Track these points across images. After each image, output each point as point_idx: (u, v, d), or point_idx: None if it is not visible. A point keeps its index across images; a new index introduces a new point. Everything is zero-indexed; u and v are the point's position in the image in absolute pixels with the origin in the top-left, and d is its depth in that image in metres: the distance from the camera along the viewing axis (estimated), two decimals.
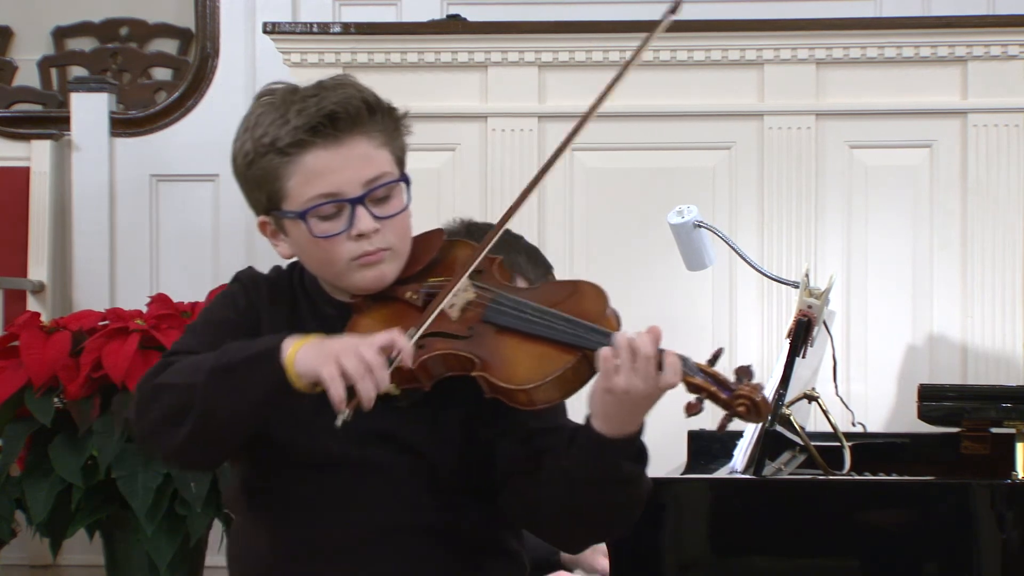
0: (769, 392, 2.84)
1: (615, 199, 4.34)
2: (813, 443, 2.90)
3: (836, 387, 3.06)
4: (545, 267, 2.95)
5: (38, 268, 5.54)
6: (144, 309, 4.53)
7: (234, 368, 2.03)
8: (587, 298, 2.16)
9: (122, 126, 5.69)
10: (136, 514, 4.23)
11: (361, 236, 2.12)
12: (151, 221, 5.64)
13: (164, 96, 6.28)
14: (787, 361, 2.82)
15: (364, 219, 2.12)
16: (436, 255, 2.22)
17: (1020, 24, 4.32)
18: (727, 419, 2.07)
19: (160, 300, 4.57)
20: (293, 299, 2.22)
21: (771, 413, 2.05)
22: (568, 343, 2.09)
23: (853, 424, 3.20)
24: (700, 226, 3.15)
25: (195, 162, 5.65)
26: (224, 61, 5.75)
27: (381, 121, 2.16)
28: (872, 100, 4.34)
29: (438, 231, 2.27)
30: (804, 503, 2.62)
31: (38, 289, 5.49)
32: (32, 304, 5.44)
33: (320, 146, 2.12)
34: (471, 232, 2.94)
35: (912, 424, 3.34)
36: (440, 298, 2.11)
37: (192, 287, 5.12)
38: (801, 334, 2.83)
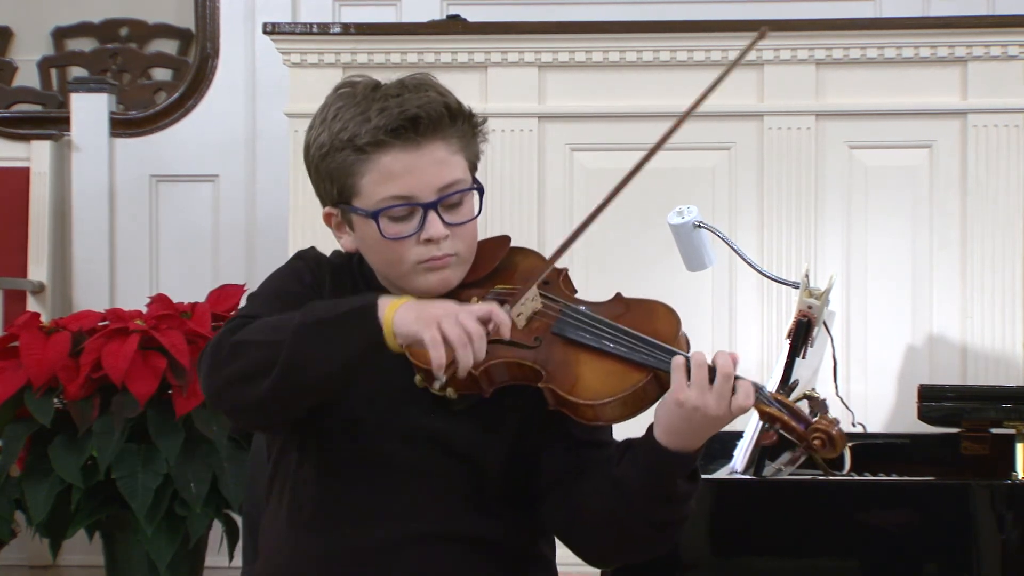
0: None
1: (615, 199, 4.33)
2: None
3: (836, 387, 3.06)
4: None
5: (38, 268, 5.54)
6: (144, 309, 4.53)
7: (327, 323, 2.00)
8: (660, 319, 2.16)
9: (122, 126, 5.68)
10: (136, 514, 4.23)
11: (430, 241, 2.12)
12: (151, 221, 5.64)
13: (164, 96, 6.28)
14: (787, 361, 2.82)
15: (435, 224, 2.12)
16: (500, 262, 2.22)
17: (1020, 24, 4.32)
18: (801, 452, 2.06)
19: (160, 300, 4.57)
20: (355, 289, 2.20)
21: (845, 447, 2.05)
22: (639, 362, 2.08)
23: (853, 424, 3.20)
24: (700, 226, 3.15)
25: (195, 162, 5.65)
26: (224, 61, 5.74)
27: (460, 127, 2.17)
28: (872, 100, 4.34)
29: (505, 238, 2.27)
30: (804, 503, 2.62)
31: (38, 289, 5.49)
32: (32, 304, 5.44)
33: (399, 148, 2.11)
34: None
35: (912, 424, 3.34)
36: (528, 285, 2.09)
37: (192, 287, 5.12)
38: (801, 334, 2.83)
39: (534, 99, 4.40)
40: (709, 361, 2.05)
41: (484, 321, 1.98)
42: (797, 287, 2.91)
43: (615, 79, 4.35)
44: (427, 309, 1.98)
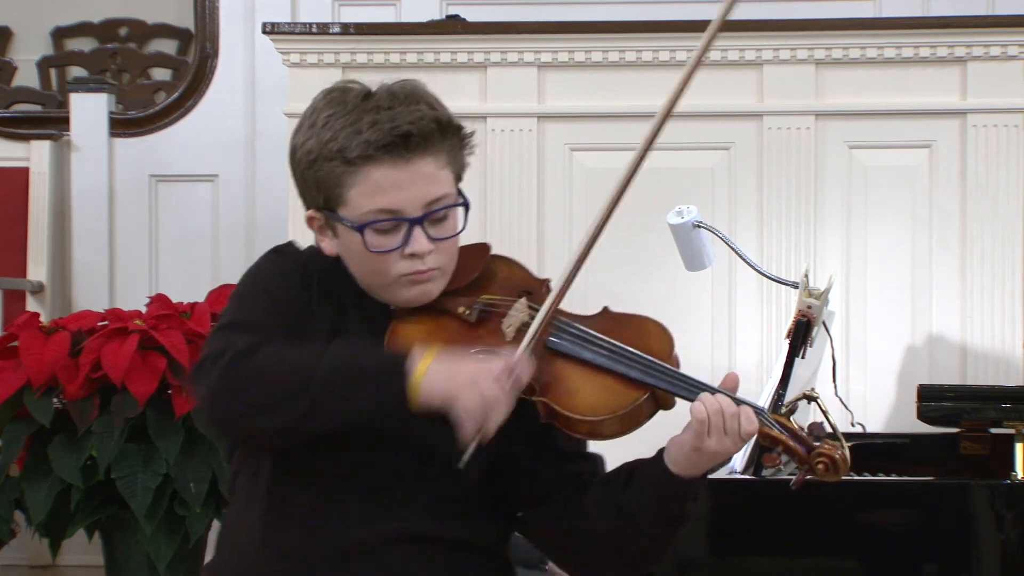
0: (768, 394, 2.84)
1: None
2: None
3: (835, 387, 3.06)
4: None
5: (37, 268, 5.54)
6: (143, 309, 4.53)
7: (356, 374, 2.02)
8: (653, 336, 2.15)
9: (121, 126, 5.68)
10: (135, 514, 4.22)
11: (414, 255, 2.12)
12: (150, 221, 5.64)
13: (163, 96, 6.28)
14: (786, 361, 2.82)
15: (420, 240, 2.12)
16: (482, 271, 2.21)
17: (1020, 24, 4.32)
18: (804, 476, 2.06)
19: (159, 300, 4.57)
20: (341, 293, 2.20)
21: (848, 470, 2.06)
22: (638, 379, 2.08)
23: (853, 424, 3.20)
24: (699, 226, 3.15)
25: (195, 162, 5.65)
26: (223, 61, 5.74)
27: (449, 141, 2.16)
28: (872, 100, 4.34)
29: (484, 246, 2.27)
30: (804, 503, 2.62)
31: (37, 289, 5.49)
32: (31, 304, 5.44)
33: (388, 163, 2.10)
34: None
35: (912, 424, 3.34)
36: (543, 323, 2.08)
37: (191, 287, 5.12)
38: (800, 334, 2.83)
39: (534, 99, 4.40)
40: (720, 404, 2.05)
41: (508, 377, 2.00)
42: (797, 287, 2.91)
43: (615, 79, 4.34)
44: (456, 375, 2.00)
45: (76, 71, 7.04)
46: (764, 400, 2.82)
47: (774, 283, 3.71)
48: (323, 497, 2.14)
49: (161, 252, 5.64)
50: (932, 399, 3.15)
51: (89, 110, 5.65)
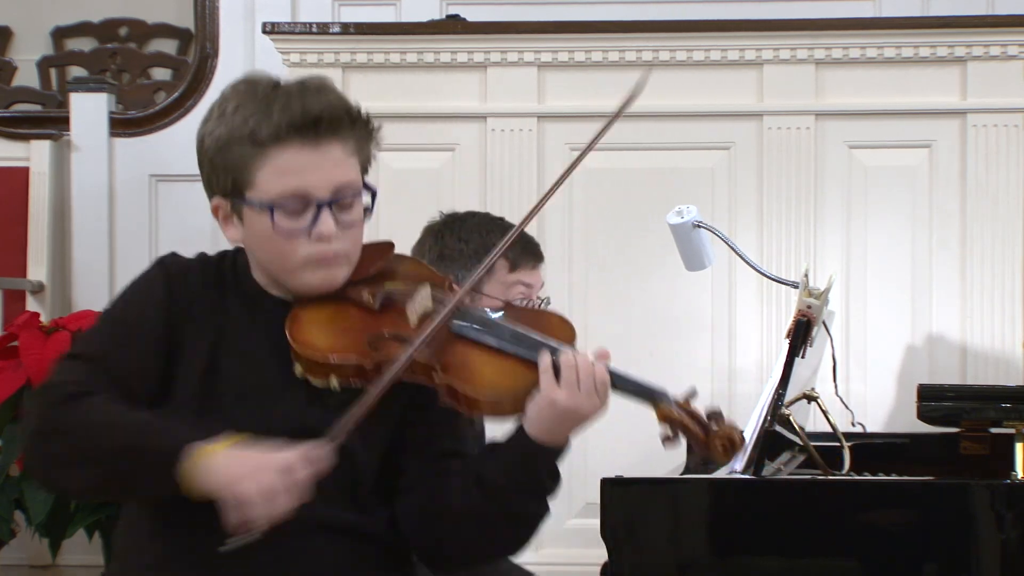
0: (768, 394, 2.84)
1: (615, 199, 4.34)
2: (813, 443, 2.89)
3: (835, 387, 3.06)
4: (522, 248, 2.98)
5: (37, 268, 5.53)
6: None
7: (135, 459, 2.05)
8: (555, 325, 2.19)
9: (121, 126, 5.68)
10: None
11: (321, 238, 2.15)
12: (150, 221, 5.63)
13: (163, 96, 6.28)
14: (786, 361, 2.82)
15: (327, 222, 2.15)
16: (384, 265, 2.24)
17: (1020, 24, 4.33)
18: (700, 459, 2.08)
19: None
20: (222, 288, 2.23)
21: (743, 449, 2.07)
22: (536, 360, 2.11)
23: (852, 424, 3.20)
24: (699, 226, 3.16)
25: (195, 162, 5.63)
26: (223, 61, 5.74)
27: (357, 130, 2.20)
28: (871, 100, 4.34)
29: (388, 243, 2.30)
30: (804, 503, 2.62)
31: (37, 289, 5.49)
32: (31, 304, 5.44)
33: (298, 145, 2.14)
34: (454, 223, 2.99)
35: (912, 424, 3.34)
36: (455, 296, 2.12)
37: None
38: (800, 334, 2.83)
39: (534, 99, 4.40)
40: (583, 363, 2.09)
41: (302, 466, 2.01)
42: (797, 287, 2.91)
43: (615, 79, 4.35)
44: (238, 464, 2.02)
45: (76, 71, 7.04)
46: (764, 400, 2.82)
47: (774, 283, 3.71)
48: None
49: (161, 252, 5.56)
50: (932, 399, 3.15)
51: (89, 110, 5.65)
